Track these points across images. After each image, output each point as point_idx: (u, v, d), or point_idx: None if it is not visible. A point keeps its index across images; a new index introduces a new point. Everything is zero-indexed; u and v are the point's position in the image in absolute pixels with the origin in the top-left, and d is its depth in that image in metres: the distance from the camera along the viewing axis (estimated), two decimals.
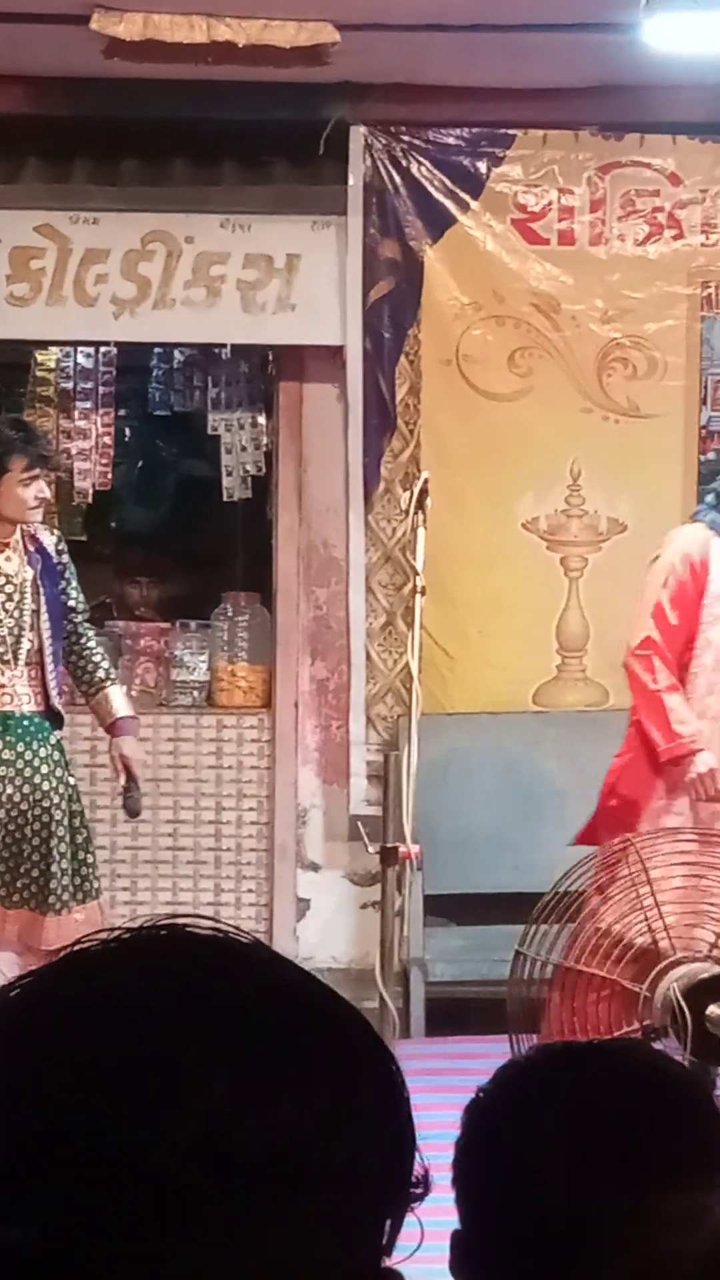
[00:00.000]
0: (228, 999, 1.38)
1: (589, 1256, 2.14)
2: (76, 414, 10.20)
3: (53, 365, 10.26)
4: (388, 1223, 1.37)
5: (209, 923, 1.44)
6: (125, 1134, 1.31)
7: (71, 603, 7.76)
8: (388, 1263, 1.39)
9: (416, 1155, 1.40)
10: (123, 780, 7.81)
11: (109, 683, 7.85)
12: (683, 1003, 5.55)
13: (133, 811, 8.04)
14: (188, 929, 1.43)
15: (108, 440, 10.24)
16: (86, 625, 7.97)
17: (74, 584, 7.87)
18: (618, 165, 9.60)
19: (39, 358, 10.25)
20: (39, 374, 10.30)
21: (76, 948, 1.44)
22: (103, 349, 10.10)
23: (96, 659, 7.88)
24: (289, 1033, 1.37)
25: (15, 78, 9.18)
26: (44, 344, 10.10)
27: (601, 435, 9.64)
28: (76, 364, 10.25)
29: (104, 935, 1.46)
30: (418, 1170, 1.40)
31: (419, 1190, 1.39)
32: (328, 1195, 1.33)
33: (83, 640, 7.89)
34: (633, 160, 9.61)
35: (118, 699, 7.87)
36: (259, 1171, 1.30)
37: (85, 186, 9.46)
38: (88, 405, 10.23)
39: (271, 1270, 1.31)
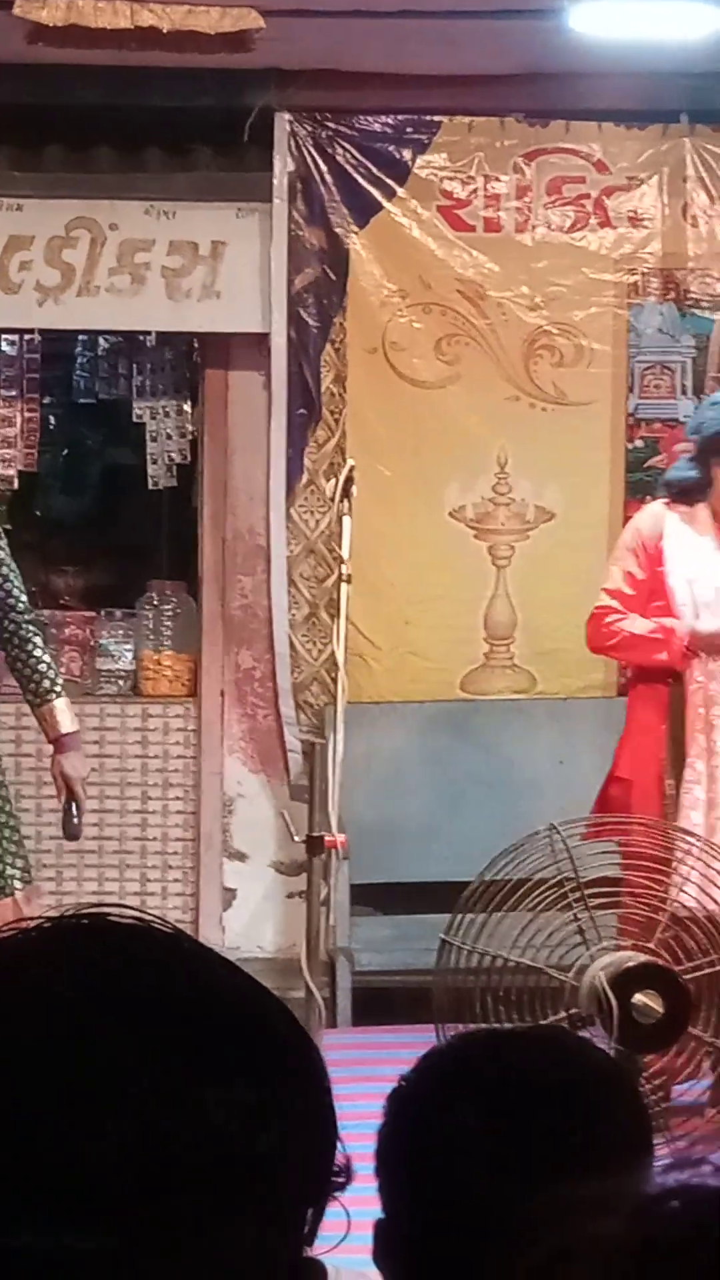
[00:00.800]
0: (151, 989, 1.38)
1: (505, 1242, 2.15)
2: (0, 402, 10.20)
3: None
4: (309, 1211, 1.38)
5: (132, 912, 1.45)
6: (55, 1123, 1.31)
7: (11, 600, 7.66)
8: (311, 1251, 1.40)
9: (338, 1145, 1.41)
10: (63, 800, 7.67)
11: (55, 695, 7.67)
12: (609, 991, 5.57)
13: (71, 835, 7.79)
14: (109, 918, 1.43)
15: (32, 427, 10.23)
16: (31, 628, 7.71)
17: (16, 581, 7.68)
18: (544, 152, 9.61)
19: None
20: None
21: None
22: (27, 336, 10.07)
23: (43, 668, 7.68)
24: (213, 1024, 1.38)
25: None
26: None
27: (529, 423, 9.66)
28: (2, 350, 10.24)
29: (24, 925, 1.47)
30: (339, 1160, 1.40)
31: (341, 1180, 1.40)
32: (251, 1185, 1.33)
33: (28, 647, 7.65)
34: (559, 147, 9.62)
35: (63, 714, 7.66)
36: (186, 1161, 1.30)
37: (9, 173, 9.43)
38: (12, 393, 10.21)
39: (196, 1260, 1.31)
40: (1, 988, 1.39)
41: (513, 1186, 2.35)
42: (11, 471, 10.16)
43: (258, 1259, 1.35)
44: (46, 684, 7.65)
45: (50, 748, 7.77)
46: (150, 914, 1.46)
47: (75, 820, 7.69)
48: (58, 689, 7.69)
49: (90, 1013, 1.36)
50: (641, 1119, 2.86)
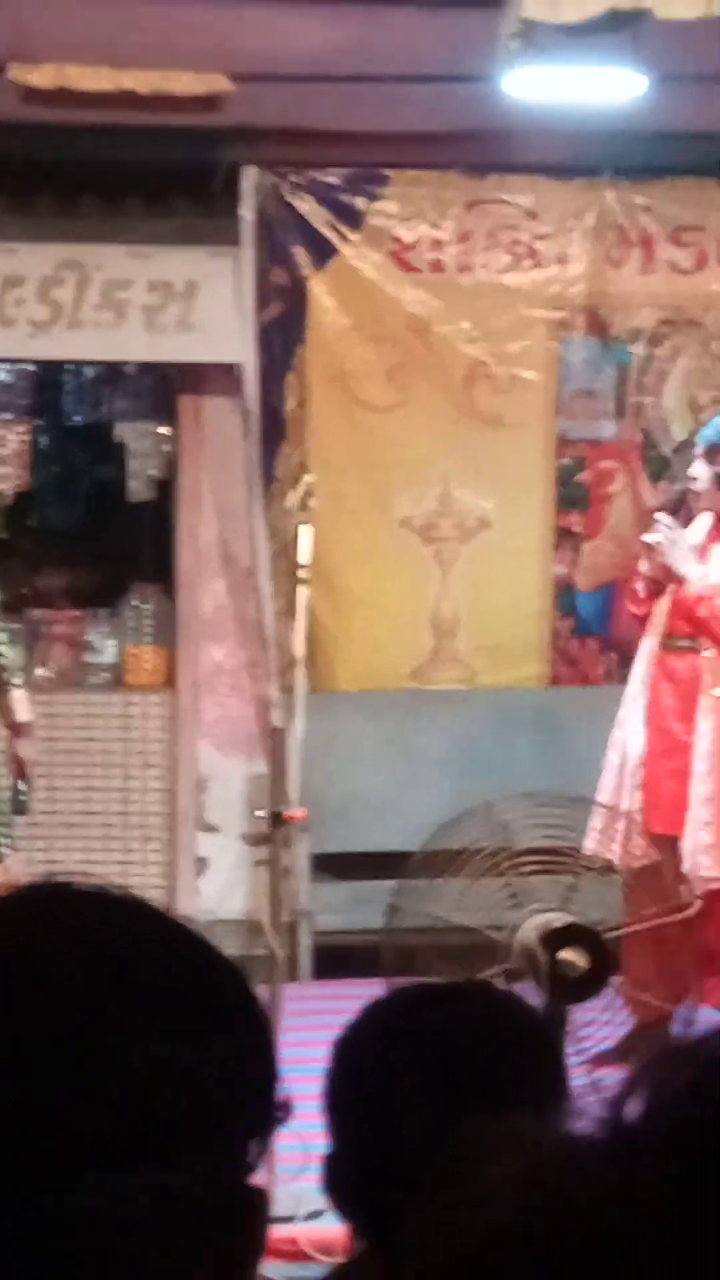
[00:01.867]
0: (109, 947, 1.39)
1: (429, 1178, 2.17)
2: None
3: None
4: (253, 1144, 1.38)
5: (94, 881, 1.46)
6: (18, 1068, 1.32)
7: None
8: (255, 1180, 1.40)
9: (279, 1085, 1.41)
10: (17, 780, 7.69)
11: (15, 686, 7.78)
12: (539, 948, 5.57)
13: (20, 810, 7.84)
14: (72, 886, 1.45)
15: (26, 448, 10.23)
16: None
17: None
18: (482, 202, 9.61)
19: None
20: None
21: None
22: (20, 366, 10.09)
23: (4, 661, 7.83)
24: (164, 978, 1.38)
25: None
26: None
27: (469, 442, 9.67)
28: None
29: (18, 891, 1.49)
30: (280, 1099, 1.41)
31: (281, 1115, 1.41)
32: (201, 1121, 1.34)
33: None
34: (495, 198, 9.62)
35: (21, 704, 7.74)
36: (142, 1101, 1.31)
37: (4, 220, 9.40)
38: (7, 416, 10.21)
39: (155, 1187, 1.32)
40: None
41: (441, 1124, 2.30)
42: (7, 487, 10.15)
43: (209, 1186, 1.35)
44: (6, 675, 7.71)
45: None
46: (107, 881, 1.48)
47: (24, 798, 7.77)
48: (17, 681, 7.78)
49: (55, 969, 1.37)
50: (558, 1063, 2.88)
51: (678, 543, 7.49)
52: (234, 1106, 1.37)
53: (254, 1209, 1.40)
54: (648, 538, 7.66)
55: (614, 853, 7.08)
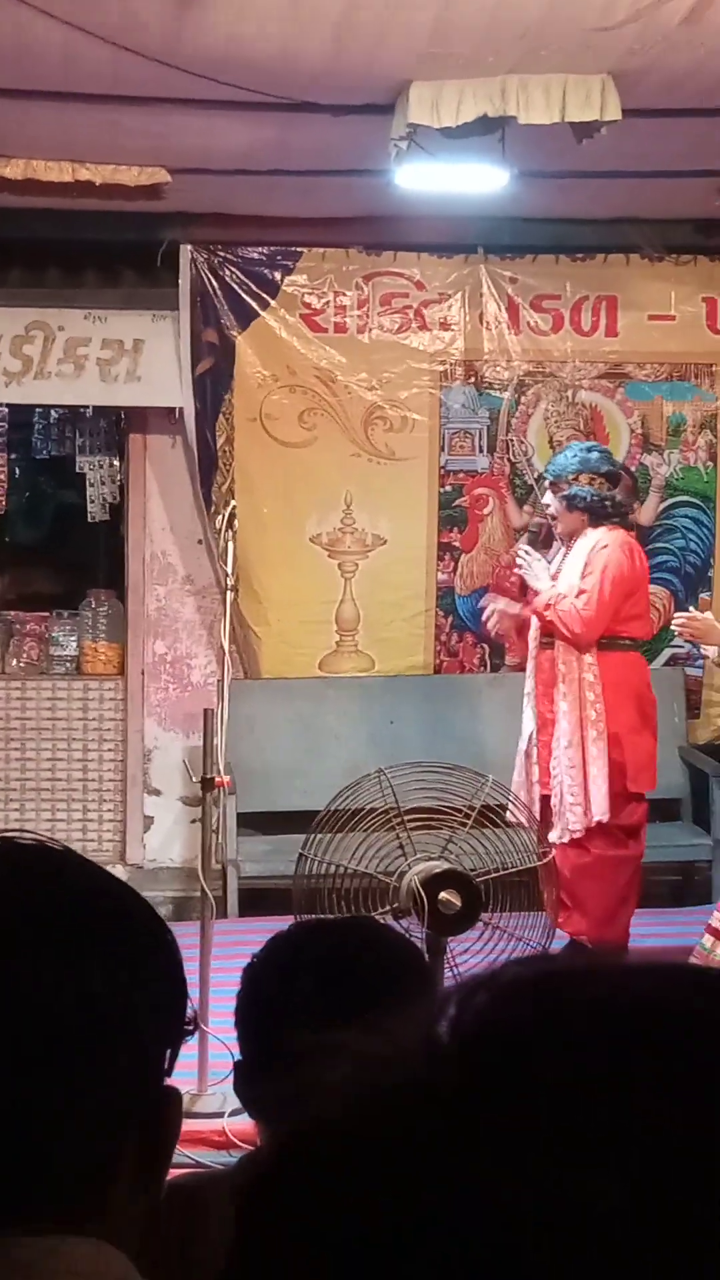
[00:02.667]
0: (43, 890, 1.39)
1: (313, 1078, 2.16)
2: None
3: None
4: (168, 1051, 1.39)
5: (31, 836, 1.46)
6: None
7: None
8: (170, 1081, 1.40)
9: (188, 1003, 1.42)
10: None
11: None
12: (421, 891, 5.57)
13: None
14: (15, 840, 1.44)
15: (1, 476, 10.20)
16: None
17: None
18: (378, 274, 9.61)
19: None
20: None
21: None
22: None
23: None
24: (91, 913, 1.38)
25: None
26: None
27: (367, 473, 9.65)
28: None
29: None
30: (189, 1014, 1.42)
31: (190, 1028, 1.42)
32: (124, 1032, 1.34)
33: None
34: (389, 270, 9.62)
35: None
36: (76, 1015, 1.31)
37: None
38: None
39: (86, 1088, 1.31)
40: None
41: (329, 1036, 2.32)
42: None
43: (132, 1085, 1.35)
44: None
45: None
46: (43, 836, 1.47)
47: None
48: None
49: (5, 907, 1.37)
50: (430, 983, 2.88)
51: (533, 565, 7.69)
52: (151, 1020, 1.37)
53: (170, 1104, 1.39)
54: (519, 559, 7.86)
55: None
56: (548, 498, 7.80)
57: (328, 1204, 0.60)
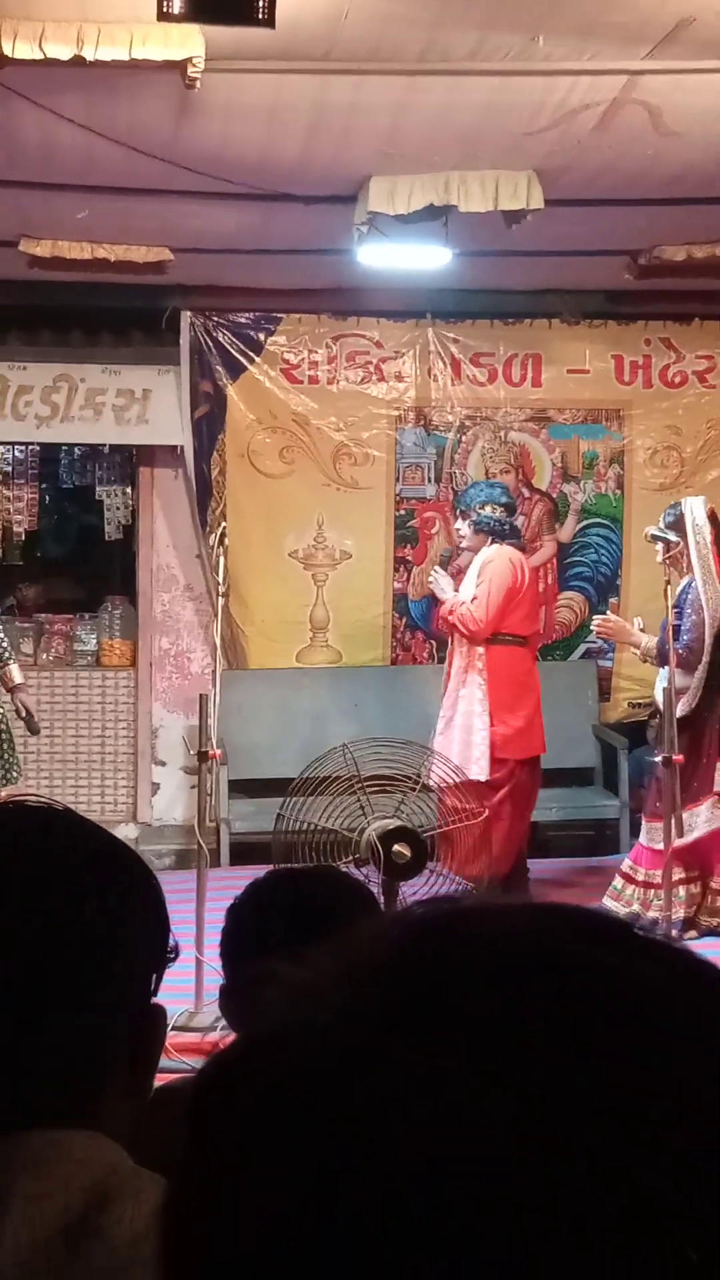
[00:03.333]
0: (44, 842, 1.40)
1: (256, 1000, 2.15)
2: (14, 485, 10.12)
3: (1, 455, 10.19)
4: (154, 976, 1.39)
5: (38, 799, 1.46)
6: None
7: None
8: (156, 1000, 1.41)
9: (170, 935, 1.42)
10: (24, 715, 7.67)
11: (8, 662, 7.76)
12: (378, 844, 5.57)
13: (35, 730, 7.93)
14: (24, 802, 1.44)
15: (34, 502, 10.18)
16: None
17: None
18: (344, 335, 9.60)
19: None
20: None
21: None
22: (30, 447, 10.03)
23: (4, 644, 7.82)
24: (87, 860, 1.39)
25: None
26: None
27: (336, 500, 9.63)
28: (14, 456, 10.15)
29: None
30: (171, 945, 1.42)
31: (172, 956, 1.42)
32: (117, 958, 1.35)
33: None
34: (353, 332, 9.60)
35: (15, 673, 7.75)
36: (77, 945, 1.32)
37: (19, 347, 9.36)
38: (21, 481, 10.15)
39: (86, 1006, 1.31)
40: None
41: (293, 956, 2.33)
42: (21, 529, 10.13)
43: (125, 1003, 1.35)
44: (5, 655, 7.72)
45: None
46: (50, 800, 1.47)
47: (34, 723, 7.83)
48: (9, 658, 7.78)
49: (8, 857, 1.38)
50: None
51: (439, 581, 7.99)
52: (139, 948, 1.38)
53: (156, 1019, 1.40)
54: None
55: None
56: (459, 523, 8.08)
57: (257, 1107, 0.59)
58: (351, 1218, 0.54)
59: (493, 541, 7.74)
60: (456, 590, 7.82)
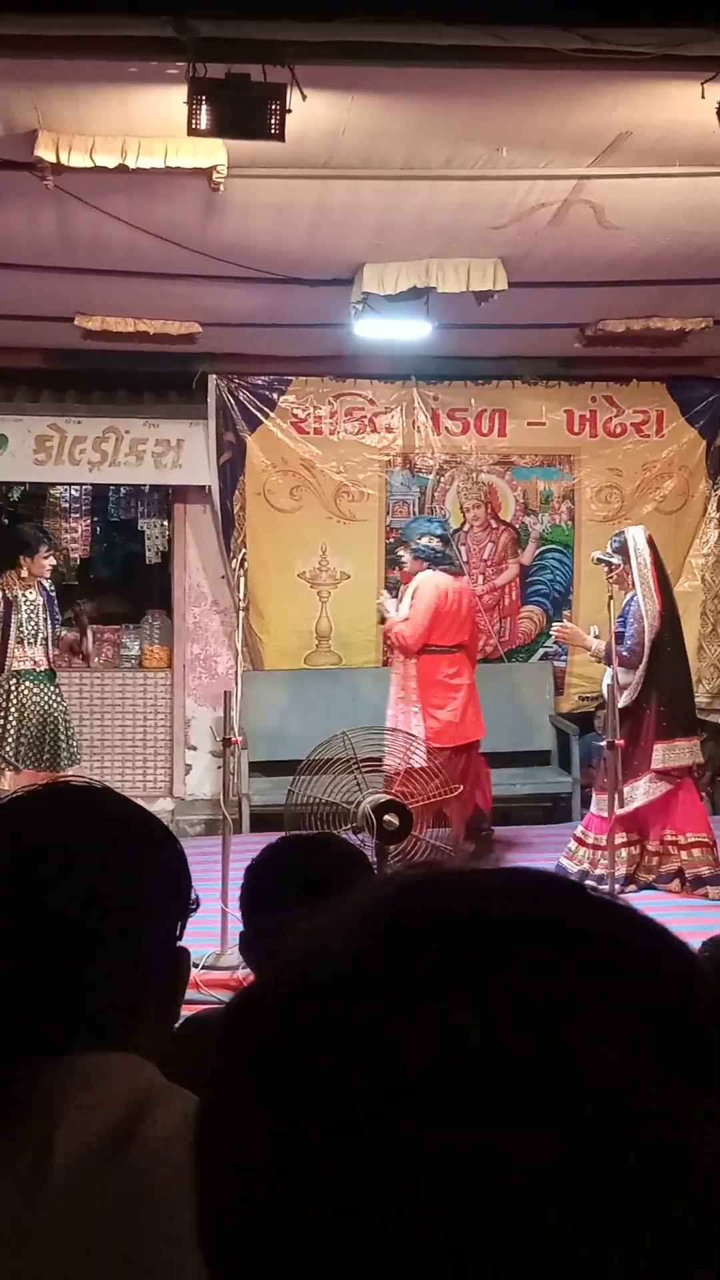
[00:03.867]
0: (89, 814, 1.39)
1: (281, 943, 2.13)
2: (70, 519, 10.10)
3: (59, 494, 10.14)
4: (178, 924, 1.38)
5: (83, 780, 1.45)
6: (43, 881, 1.31)
7: (56, 614, 7.70)
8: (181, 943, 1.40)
9: (191, 890, 1.41)
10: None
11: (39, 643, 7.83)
12: (372, 814, 5.56)
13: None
14: (70, 783, 1.44)
15: (87, 533, 10.17)
16: (59, 625, 7.83)
17: (55, 606, 7.72)
18: (343, 394, 9.59)
19: (52, 491, 10.11)
20: (52, 498, 10.17)
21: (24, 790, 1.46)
22: (84, 487, 10.01)
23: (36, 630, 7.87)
24: (123, 828, 1.38)
25: (37, 349, 9.05)
26: (55, 484, 9.94)
27: (337, 530, 9.59)
28: (71, 494, 10.14)
29: (45, 784, 1.49)
30: (193, 898, 1.41)
31: (193, 907, 1.40)
32: (147, 908, 1.34)
33: (54, 628, 7.84)
34: (350, 392, 9.59)
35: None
36: (112, 900, 1.30)
37: (74, 404, 9.35)
38: (77, 515, 10.13)
39: (122, 948, 1.31)
40: (6, 816, 1.39)
41: (306, 911, 2.32)
42: (77, 555, 10.15)
43: (152, 946, 1.34)
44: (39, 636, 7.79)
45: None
46: (91, 780, 1.46)
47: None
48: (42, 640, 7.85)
49: (58, 826, 1.36)
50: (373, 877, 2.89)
51: (385, 604, 8.08)
52: (165, 899, 1.37)
53: (180, 960, 1.39)
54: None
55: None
56: (401, 551, 8.12)
57: (272, 1037, 0.60)
58: (357, 1098, 0.55)
59: (428, 567, 7.78)
60: (398, 609, 7.84)
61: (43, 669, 7.65)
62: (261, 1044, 0.60)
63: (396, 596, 8.08)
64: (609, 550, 7.30)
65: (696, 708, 8.17)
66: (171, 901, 1.37)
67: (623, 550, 7.20)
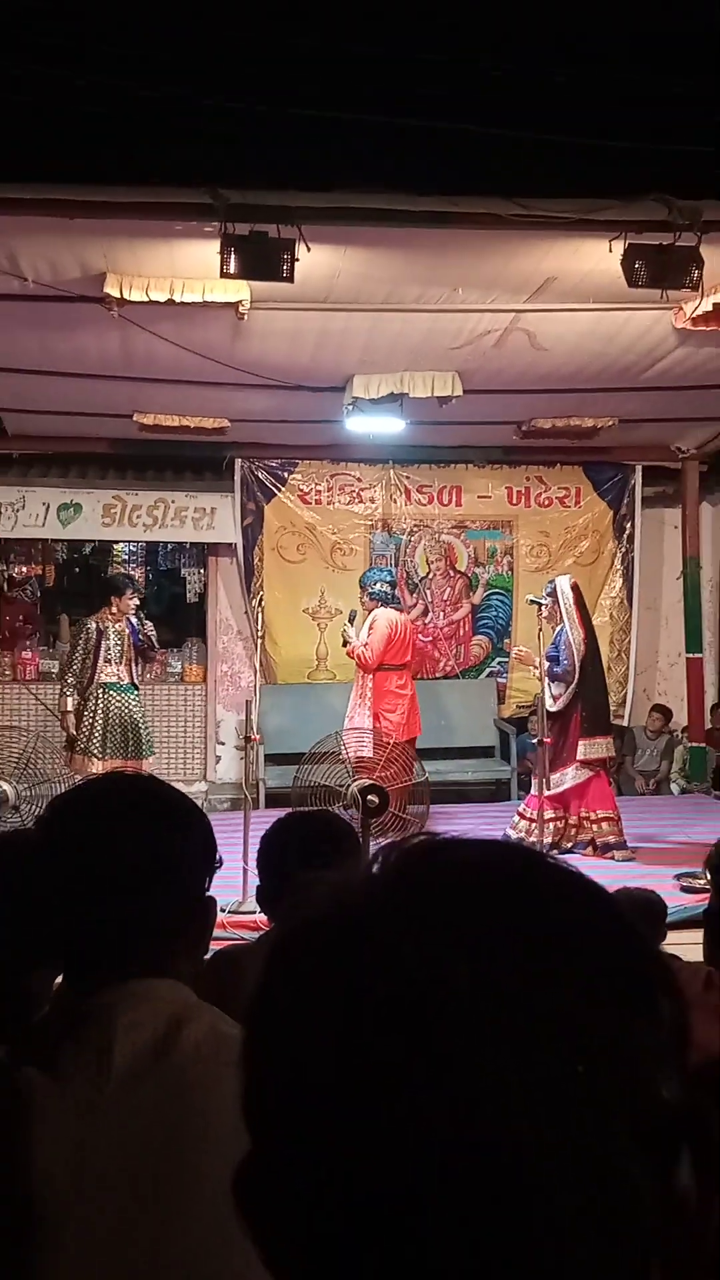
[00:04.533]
0: (138, 795, 1.37)
1: (297, 897, 2.11)
2: (129, 568, 10.01)
3: (121, 549, 10.05)
4: (206, 877, 1.36)
5: (131, 767, 1.45)
6: (106, 844, 1.29)
7: (139, 639, 7.66)
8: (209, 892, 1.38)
9: (217, 852, 1.39)
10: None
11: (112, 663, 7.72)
12: (358, 794, 5.52)
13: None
14: (125, 773, 1.43)
15: (141, 578, 10.12)
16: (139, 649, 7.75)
17: (141, 632, 7.64)
18: (337, 474, 9.56)
19: (115, 547, 10.04)
20: (115, 552, 10.07)
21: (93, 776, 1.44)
22: (140, 544, 9.96)
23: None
24: (162, 805, 1.36)
25: (104, 439, 8.99)
26: (116, 542, 9.87)
27: (334, 578, 9.53)
28: (129, 549, 10.07)
29: (107, 773, 1.47)
30: (217, 858, 1.39)
31: (218, 865, 1.38)
32: (181, 864, 1.32)
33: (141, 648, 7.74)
34: (342, 472, 9.56)
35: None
36: (152, 858, 1.29)
37: (133, 481, 9.34)
38: (134, 564, 10.04)
39: (161, 896, 1.29)
40: (80, 795, 1.37)
41: (309, 874, 2.29)
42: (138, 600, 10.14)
43: (186, 895, 1.32)
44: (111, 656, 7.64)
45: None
46: (141, 771, 1.46)
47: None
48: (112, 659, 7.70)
49: (118, 805, 1.35)
50: (358, 846, 2.86)
51: (348, 631, 7.86)
52: (195, 857, 1.35)
53: (209, 907, 1.37)
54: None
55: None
56: (362, 594, 8.10)
57: (309, 959, 0.60)
58: (370, 1009, 0.56)
59: (381, 605, 7.82)
60: (357, 636, 7.79)
61: (126, 682, 7.64)
62: (300, 969, 0.60)
63: (353, 625, 8.05)
64: (543, 593, 7.33)
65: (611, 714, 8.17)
66: (202, 861, 1.35)
67: (553, 594, 7.24)
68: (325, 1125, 0.55)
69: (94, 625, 7.60)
